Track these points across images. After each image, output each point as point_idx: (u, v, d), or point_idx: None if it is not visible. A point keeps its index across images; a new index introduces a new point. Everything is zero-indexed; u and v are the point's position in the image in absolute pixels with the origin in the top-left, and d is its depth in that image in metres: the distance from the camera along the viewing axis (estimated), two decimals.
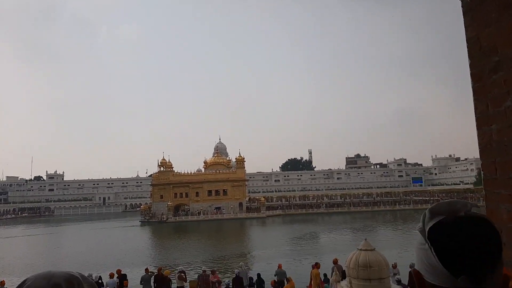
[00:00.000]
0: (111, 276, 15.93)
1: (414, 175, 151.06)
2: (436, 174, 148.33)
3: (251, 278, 16.76)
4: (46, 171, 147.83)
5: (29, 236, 61.94)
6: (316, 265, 16.04)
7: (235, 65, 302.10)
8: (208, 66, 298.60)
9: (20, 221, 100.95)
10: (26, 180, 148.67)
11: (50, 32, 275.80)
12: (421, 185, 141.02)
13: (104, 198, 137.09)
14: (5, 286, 15.36)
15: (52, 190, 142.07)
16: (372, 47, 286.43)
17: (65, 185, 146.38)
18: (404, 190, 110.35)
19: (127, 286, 15.18)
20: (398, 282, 13.28)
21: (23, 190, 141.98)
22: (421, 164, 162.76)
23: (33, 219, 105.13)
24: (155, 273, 16.57)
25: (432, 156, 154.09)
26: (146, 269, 17.17)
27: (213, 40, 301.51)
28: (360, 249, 7.40)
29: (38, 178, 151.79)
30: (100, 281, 15.87)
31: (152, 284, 16.00)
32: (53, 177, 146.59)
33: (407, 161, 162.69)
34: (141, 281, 16.36)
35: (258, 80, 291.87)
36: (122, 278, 15.88)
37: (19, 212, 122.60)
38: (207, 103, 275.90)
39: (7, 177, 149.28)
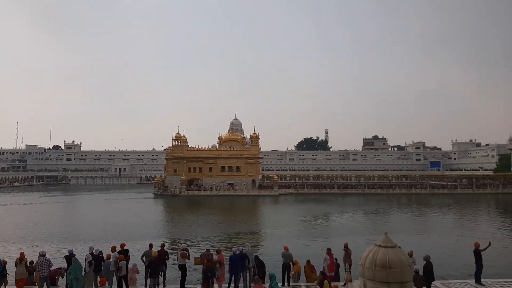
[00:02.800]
0: (113, 249, 15.47)
1: (432, 159, 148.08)
2: (455, 159, 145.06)
3: (256, 257, 16.03)
4: (64, 141, 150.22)
5: (46, 204, 62.94)
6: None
7: (253, 41, 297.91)
8: (226, 41, 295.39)
9: (37, 188, 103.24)
10: (45, 149, 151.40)
11: (69, 1, 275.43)
12: (439, 170, 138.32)
13: (120, 170, 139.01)
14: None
15: (70, 159, 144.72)
16: (394, 24, 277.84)
17: (82, 155, 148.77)
18: (421, 174, 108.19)
19: (123, 260, 14.76)
20: (416, 272, 12.18)
21: (42, 159, 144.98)
22: (440, 148, 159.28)
23: (50, 187, 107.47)
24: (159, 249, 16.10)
25: (452, 141, 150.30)
26: (150, 245, 16.73)
27: (231, 15, 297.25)
28: (379, 245, 5.92)
29: (56, 147, 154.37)
30: (101, 255, 15.35)
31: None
32: (70, 147, 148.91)
33: (426, 145, 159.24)
34: (142, 256, 15.90)
35: (276, 57, 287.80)
36: (122, 252, 15.40)
37: (38, 180, 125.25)
38: (224, 80, 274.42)
39: (26, 145, 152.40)
